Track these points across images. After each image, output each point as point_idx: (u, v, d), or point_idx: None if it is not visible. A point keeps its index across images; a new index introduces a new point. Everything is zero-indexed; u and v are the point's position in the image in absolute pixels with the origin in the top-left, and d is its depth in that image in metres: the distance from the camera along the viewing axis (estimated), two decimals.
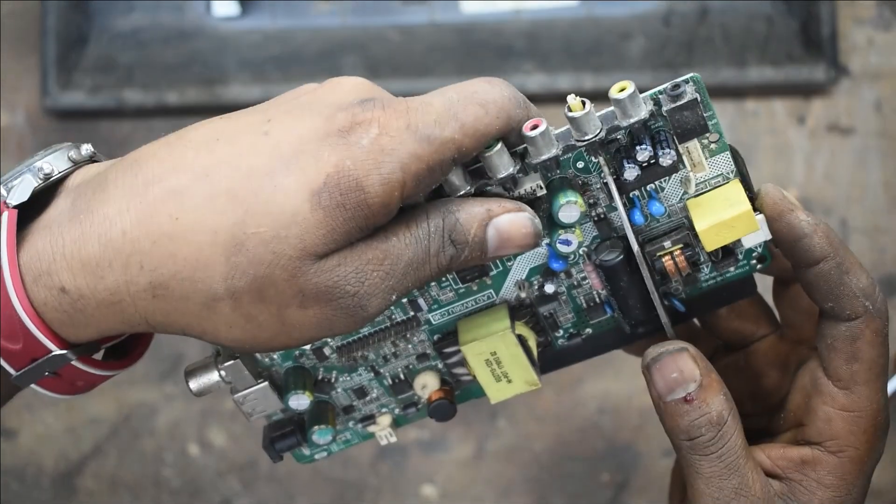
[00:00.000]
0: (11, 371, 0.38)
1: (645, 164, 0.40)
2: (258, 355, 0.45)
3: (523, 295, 0.44)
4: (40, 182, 0.38)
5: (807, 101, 0.70)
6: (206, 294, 0.37)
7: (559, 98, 0.68)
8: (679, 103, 0.39)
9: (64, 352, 0.38)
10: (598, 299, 0.45)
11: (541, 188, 0.40)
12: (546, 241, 0.42)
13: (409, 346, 0.45)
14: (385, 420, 0.47)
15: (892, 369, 0.70)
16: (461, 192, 0.39)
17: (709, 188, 0.41)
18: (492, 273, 0.43)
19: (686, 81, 0.39)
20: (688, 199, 0.41)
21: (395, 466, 0.69)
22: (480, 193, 0.40)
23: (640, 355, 0.45)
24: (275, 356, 0.45)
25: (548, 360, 0.46)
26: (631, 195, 0.41)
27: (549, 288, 0.44)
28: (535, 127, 0.39)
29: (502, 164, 0.39)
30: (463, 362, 0.46)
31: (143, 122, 0.71)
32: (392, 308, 0.44)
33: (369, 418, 0.47)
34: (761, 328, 0.47)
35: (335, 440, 0.47)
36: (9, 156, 0.71)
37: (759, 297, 0.47)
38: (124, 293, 0.37)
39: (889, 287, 0.70)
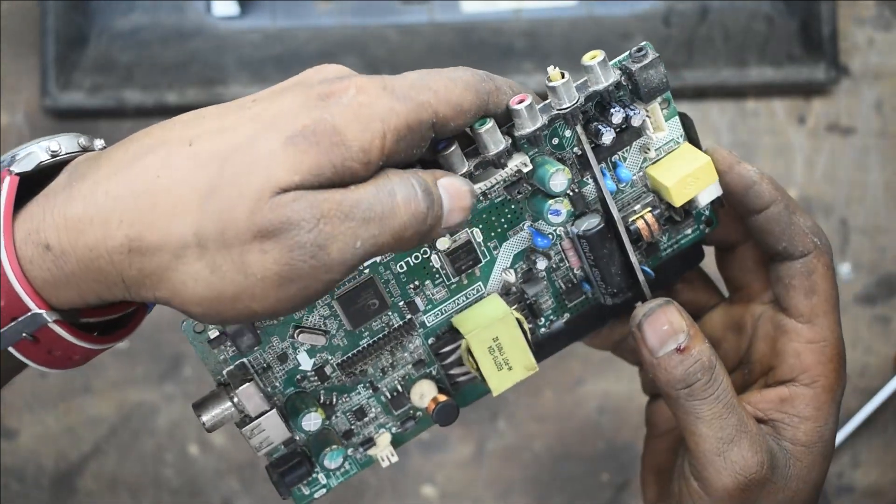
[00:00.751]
0: None
1: (618, 129, 0.44)
2: (261, 383, 0.45)
3: (511, 280, 0.46)
4: (48, 158, 0.40)
5: (807, 101, 0.70)
6: (177, 242, 0.37)
7: None
8: (644, 62, 0.43)
9: (42, 311, 0.38)
10: (574, 280, 0.47)
11: (525, 165, 0.43)
12: (528, 222, 0.45)
13: (406, 353, 0.46)
14: (384, 440, 0.47)
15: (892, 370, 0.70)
16: (462, 171, 0.42)
17: (664, 154, 0.46)
18: (480, 264, 0.45)
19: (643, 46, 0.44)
20: (646, 166, 0.45)
21: (395, 466, 0.69)
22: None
23: (605, 348, 0.51)
24: (277, 384, 0.45)
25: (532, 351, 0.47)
26: (601, 167, 0.45)
27: (542, 264, 0.46)
28: (521, 101, 0.42)
29: (494, 140, 0.42)
30: (460, 361, 0.46)
31: (143, 121, 0.71)
32: (390, 313, 0.45)
33: (368, 441, 0.48)
34: (712, 298, 0.51)
35: (334, 473, 0.48)
36: None
37: (702, 272, 0.51)
38: (102, 249, 0.38)
39: (889, 287, 0.70)
